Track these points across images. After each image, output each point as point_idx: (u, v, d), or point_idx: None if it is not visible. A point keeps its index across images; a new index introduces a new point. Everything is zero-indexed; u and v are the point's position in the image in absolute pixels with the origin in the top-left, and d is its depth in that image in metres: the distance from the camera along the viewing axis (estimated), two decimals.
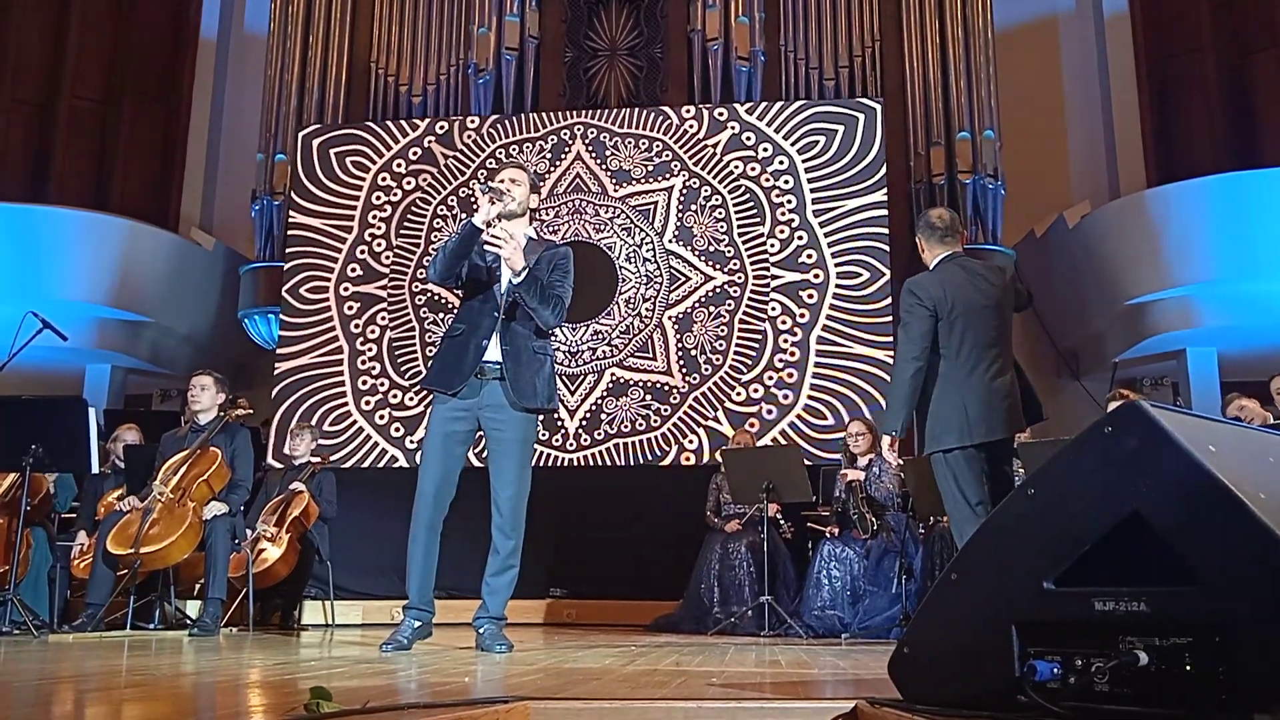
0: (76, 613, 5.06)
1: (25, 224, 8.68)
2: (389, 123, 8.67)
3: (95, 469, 5.16)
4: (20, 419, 4.86)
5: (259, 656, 3.33)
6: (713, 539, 6.10)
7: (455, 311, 4.07)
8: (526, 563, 3.73)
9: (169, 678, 2.42)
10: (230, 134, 10.51)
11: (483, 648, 3.51)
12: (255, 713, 1.75)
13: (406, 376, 8.33)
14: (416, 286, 8.62)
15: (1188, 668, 1.32)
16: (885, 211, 7.89)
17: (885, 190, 7.92)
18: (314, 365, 8.36)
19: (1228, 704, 1.27)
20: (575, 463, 7.69)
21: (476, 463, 4.29)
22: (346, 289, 8.58)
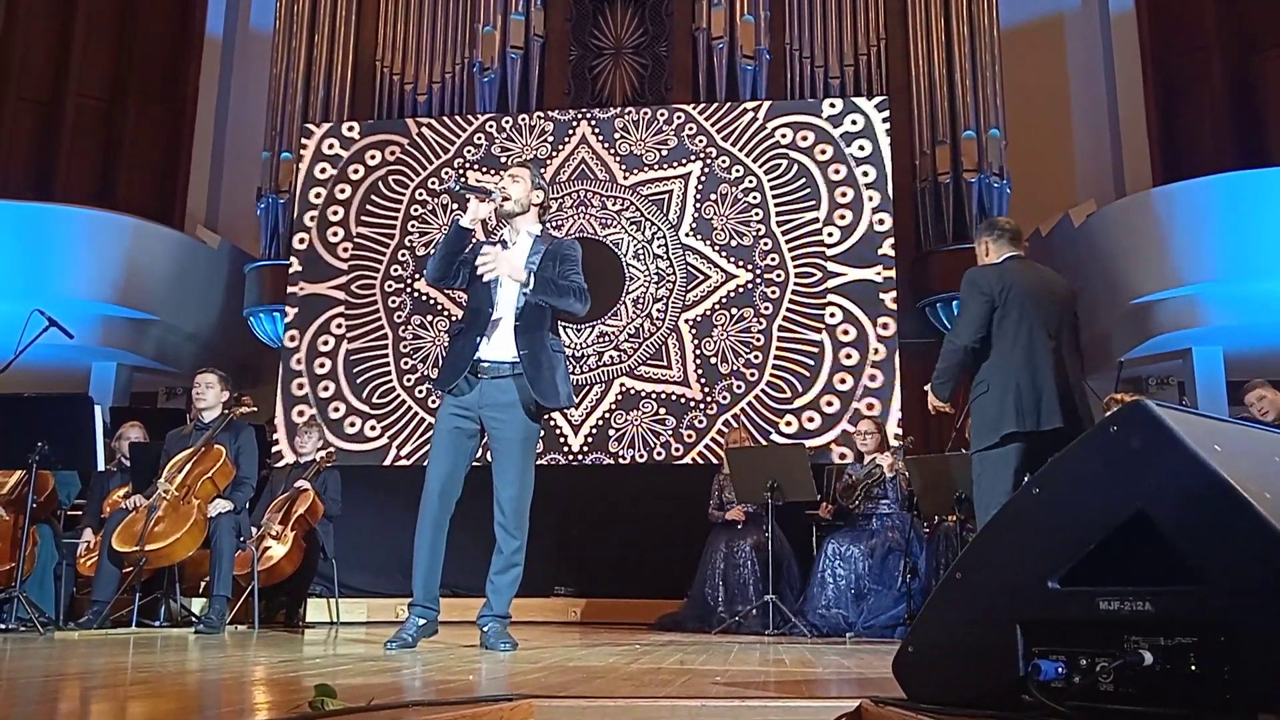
0: (82, 610, 5.07)
1: (31, 222, 8.70)
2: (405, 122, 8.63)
3: (101, 466, 5.16)
4: (26, 416, 4.86)
5: (264, 654, 3.33)
6: (717, 538, 6.09)
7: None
8: (530, 561, 3.73)
9: (174, 675, 2.43)
10: (235, 132, 10.53)
11: (487, 646, 3.51)
12: (260, 710, 1.76)
13: (373, 399, 7.54)
14: (391, 285, 7.81)
15: (1192, 668, 1.31)
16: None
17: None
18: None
19: (1232, 704, 1.27)
20: (579, 461, 7.56)
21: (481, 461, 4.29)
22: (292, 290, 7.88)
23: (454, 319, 7.71)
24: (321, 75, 9.04)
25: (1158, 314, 8.26)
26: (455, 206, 8.07)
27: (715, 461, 7.22)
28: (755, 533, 5.90)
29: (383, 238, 8.13)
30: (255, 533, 5.58)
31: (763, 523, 5.75)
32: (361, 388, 7.66)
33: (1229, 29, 9.50)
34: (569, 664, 2.84)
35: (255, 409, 5.57)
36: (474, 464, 3.78)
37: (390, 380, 7.58)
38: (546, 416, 4.34)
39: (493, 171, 8.07)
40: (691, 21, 8.72)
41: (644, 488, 7.47)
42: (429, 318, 7.87)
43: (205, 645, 3.80)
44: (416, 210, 8.15)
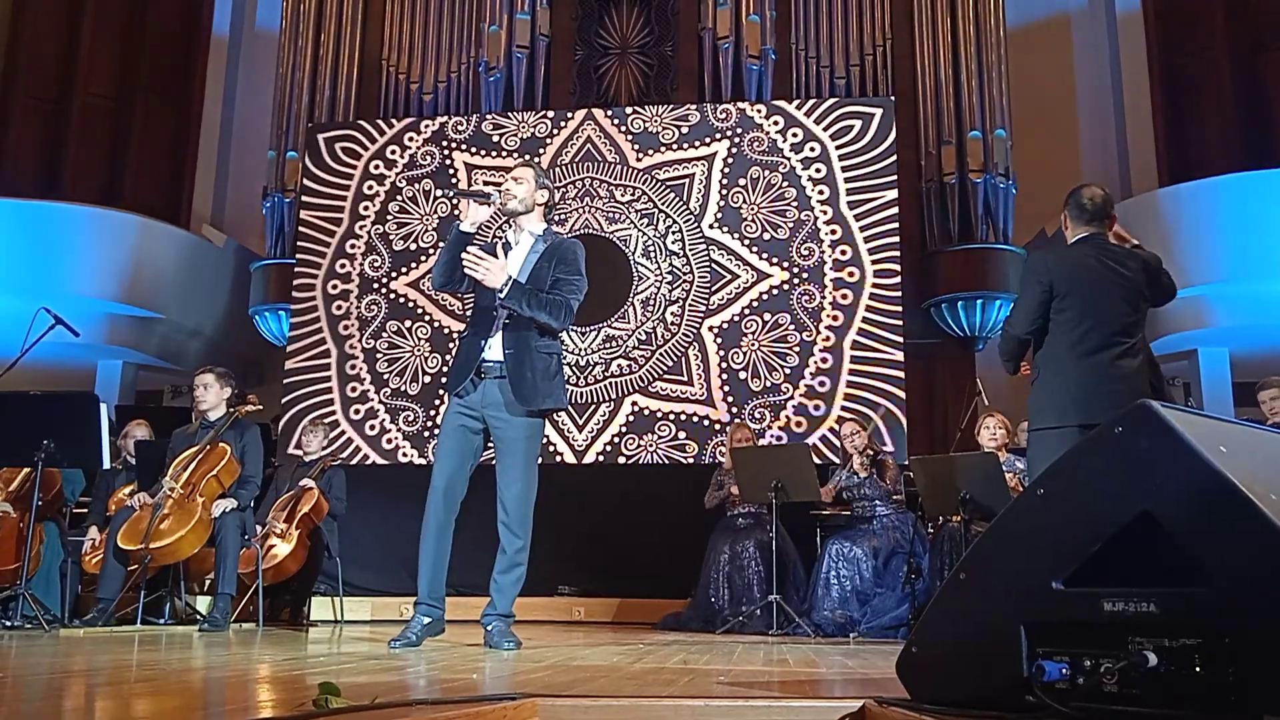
0: (87, 608, 5.08)
1: (38, 220, 8.73)
2: (394, 120, 8.58)
3: (106, 464, 5.18)
4: (32, 414, 4.88)
5: (268, 652, 3.34)
6: (720, 539, 6.09)
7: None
8: (534, 560, 3.74)
9: (179, 672, 2.43)
10: (242, 131, 10.55)
11: (491, 645, 3.52)
12: (264, 708, 1.76)
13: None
14: (336, 286, 7.09)
15: (1197, 669, 1.31)
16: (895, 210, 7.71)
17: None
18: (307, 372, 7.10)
19: (1237, 706, 1.27)
20: (583, 460, 7.41)
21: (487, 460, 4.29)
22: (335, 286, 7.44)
23: (437, 325, 7.51)
24: (327, 75, 9.06)
25: (1163, 315, 8.23)
26: (440, 194, 7.75)
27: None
28: (759, 533, 5.90)
29: (325, 223, 7.44)
30: (260, 531, 5.59)
31: (766, 523, 5.75)
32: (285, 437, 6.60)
33: (1236, 29, 9.48)
34: (573, 663, 2.84)
35: (260, 407, 5.59)
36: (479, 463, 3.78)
37: (333, 414, 6.63)
38: (545, 439, 4.22)
39: (483, 152, 8.00)
40: (697, 21, 8.71)
41: (648, 487, 7.44)
42: (406, 322, 7.13)
43: (210, 643, 3.80)
44: (371, 188, 7.34)
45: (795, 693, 2.02)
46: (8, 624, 4.59)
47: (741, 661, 3.04)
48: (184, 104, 10.66)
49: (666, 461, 7.11)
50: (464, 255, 3.61)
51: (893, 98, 8.10)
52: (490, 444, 3.74)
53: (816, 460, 6.14)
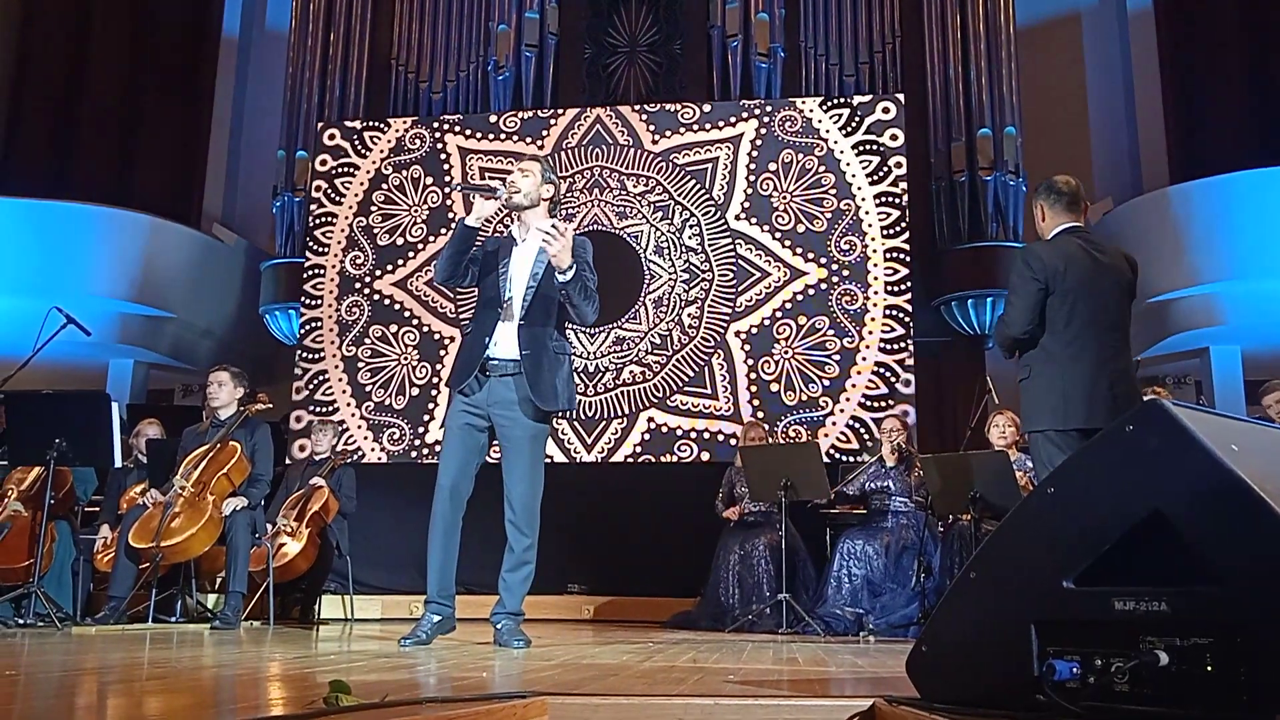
0: (99, 606, 5.10)
1: (49, 220, 8.76)
2: (407, 119, 8.61)
3: (118, 463, 5.20)
4: (44, 413, 4.90)
5: (279, 650, 3.35)
6: (730, 537, 6.08)
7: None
8: (544, 558, 3.74)
9: (190, 670, 2.44)
10: (252, 130, 10.57)
11: (500, 643, 3.52)
12: (275, 705, 1.76)
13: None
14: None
15: (1208, 668, 1.31)
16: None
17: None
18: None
19: (1249, 705, 1.26)
20: (592, 459, 7.34)
21: (494, 459, 4.29)
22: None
23: (427, 330, 7.30)
24: (337, 74, 9.08)
25: (1175, 312, 8.21)
26: (431, 181, 7.60)
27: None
28: (769, 531, 5.89)
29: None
30: (270, 529, 5.61)
31: (776, 521, 5.74)
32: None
33: (1248, 25, 9.43)
34: (582, 661, 2.84)
35: (270, 405, 5.61)
36: (485, 461, 3.78)
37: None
38: (549, 457, 4.14)
39: (479, 134, 7.98)
40: (706, 19, 8.70)
41: (657, 485, 7.43)
42: (392, 327, 6.58)
43: (220, 641, 3.82)
44: (325, 163, 6.89)
45: (805, 692, 2.01)
46: (20, 622, 4.61)
47: (751, 660, 3.04)
48: (194, 103, 10.69)
49: (677, 460, 7.10)
50: (544, 228, 3.54)
51: (902, 95, 8.08)
52: (496, 442, 3.74)
53: (826, 460, 6.13)
